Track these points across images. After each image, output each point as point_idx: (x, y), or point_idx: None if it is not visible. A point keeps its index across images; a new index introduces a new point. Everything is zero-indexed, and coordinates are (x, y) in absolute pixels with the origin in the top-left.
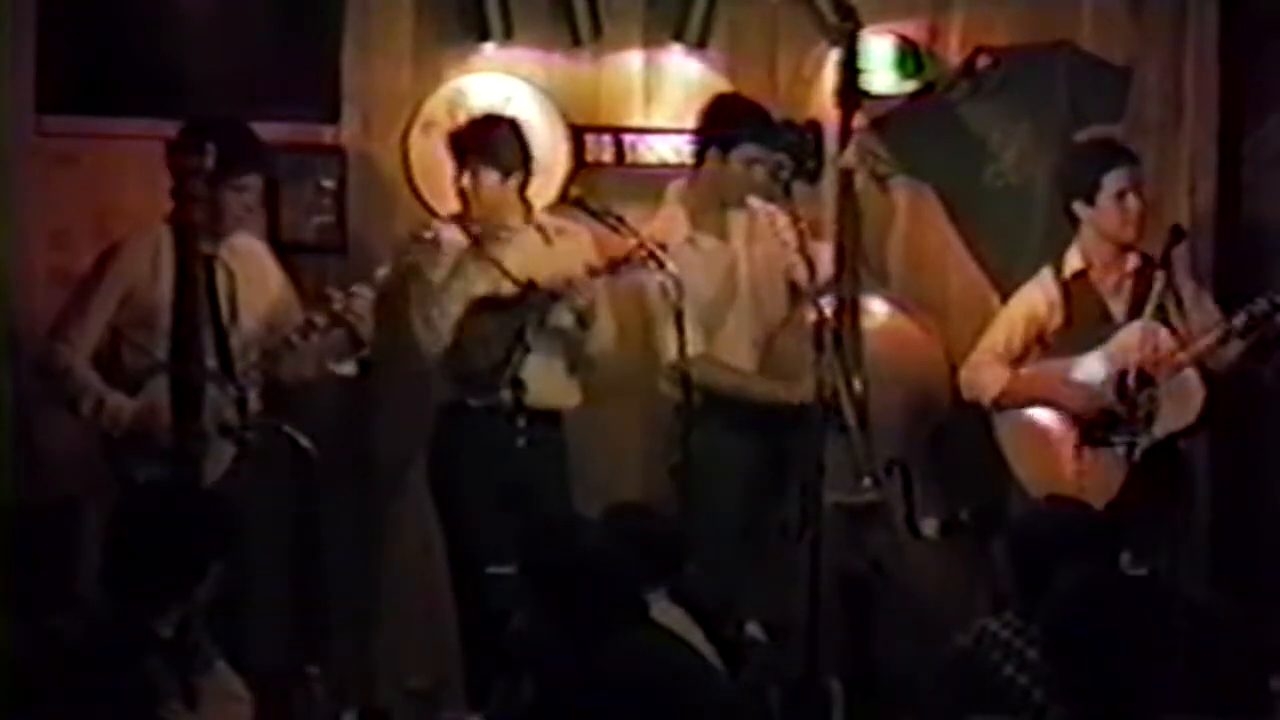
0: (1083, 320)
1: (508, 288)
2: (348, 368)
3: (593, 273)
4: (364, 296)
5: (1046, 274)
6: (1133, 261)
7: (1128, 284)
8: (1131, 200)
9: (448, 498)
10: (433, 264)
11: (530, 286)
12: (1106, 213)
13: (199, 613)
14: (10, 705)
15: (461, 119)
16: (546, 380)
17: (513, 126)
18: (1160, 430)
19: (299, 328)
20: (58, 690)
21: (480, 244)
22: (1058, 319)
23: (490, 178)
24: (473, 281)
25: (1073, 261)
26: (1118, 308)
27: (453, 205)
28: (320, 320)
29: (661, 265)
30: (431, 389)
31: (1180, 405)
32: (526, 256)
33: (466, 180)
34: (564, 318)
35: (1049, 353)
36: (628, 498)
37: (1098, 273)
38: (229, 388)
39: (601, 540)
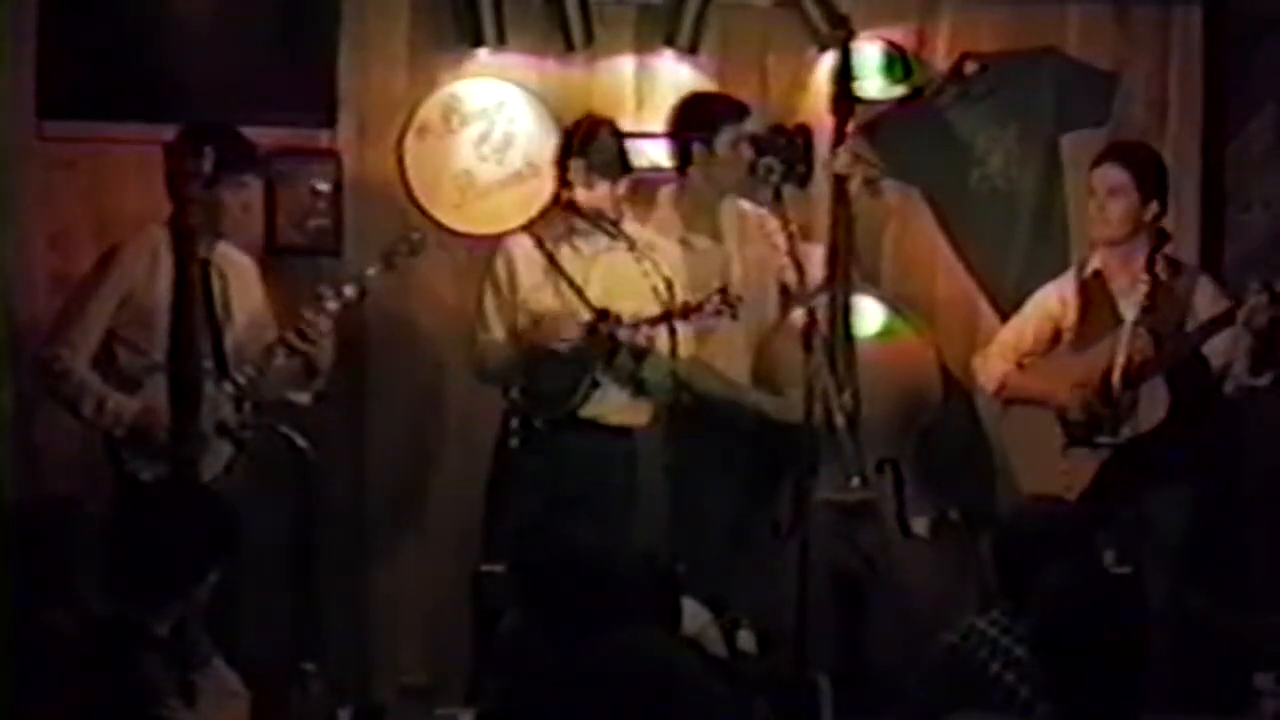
0: (1095, 318)
1: (582, 310)
2: (303, 397)
3: (658, 320)
4: (322, 324)
5: (1070, 272)
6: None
7: (1141, 285)
8: (1102, 197)
9: (505, 503)
10: (510, 278)
11: (603, 316)
12: (1090, 206)
13: (197, 611)
14: (9, 702)
15: (455, 124)
16: (614, 402)
17: (613, 130)
18: (1132, 430)
19: (271, 346)
20: (57, 688)
21: (556, 260)
22: (1071, 316)
23: (598, 184)
24: (551, 298)
25: (1095, 260)
26: (1128, 308)
27: (450, 209)
28: (293, 341)
29: (735, 316)
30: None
31: (1151, 406)
32: (612, 273)
33: (576, 176)
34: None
35: (1061, 349)
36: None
37: (1112, 272)
38: (226, 388)
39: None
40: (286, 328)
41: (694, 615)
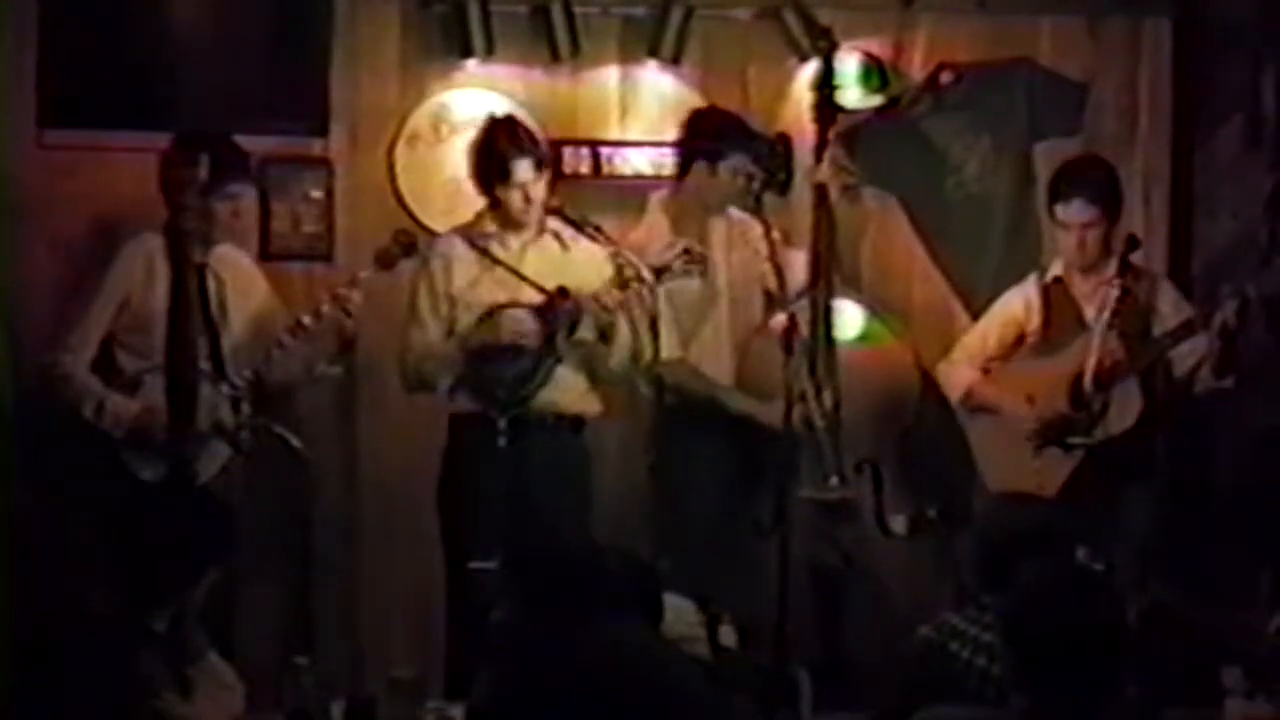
0: (1059, 324)
1: (527, 295)
2: (335, 369)
3: (626, 283)
4: (354, 300)
5: (1032, 278)
6: (1111, 268)
7: (1104, 290)
8: (1077, 232)
9: (459, 510)
10: (446, 276)
11: (561, 293)
12: (1063, 237)
13: (194, 607)
14: (8, 698)
15: (445, 133)
16: (570, 389)
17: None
18: (1105, 432)
19: (289, 328)
20: (56, 683)
21: (491, 254)
22: (1035, 322)
23: (525, 170)
24: (489, 291)
25: (1055, 267)
26: (1091, 313)
27: (439, 216)
28: (309, 322)
29: (705, 272)
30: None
31: (1123, 408)
32: (543, 264)
33: (518, 176)
34: (587, 330)
35: (1026, 354)
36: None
37: (1074, 278)
38: (223, 389)
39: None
40: (303, 311)
41: (678, 611)
